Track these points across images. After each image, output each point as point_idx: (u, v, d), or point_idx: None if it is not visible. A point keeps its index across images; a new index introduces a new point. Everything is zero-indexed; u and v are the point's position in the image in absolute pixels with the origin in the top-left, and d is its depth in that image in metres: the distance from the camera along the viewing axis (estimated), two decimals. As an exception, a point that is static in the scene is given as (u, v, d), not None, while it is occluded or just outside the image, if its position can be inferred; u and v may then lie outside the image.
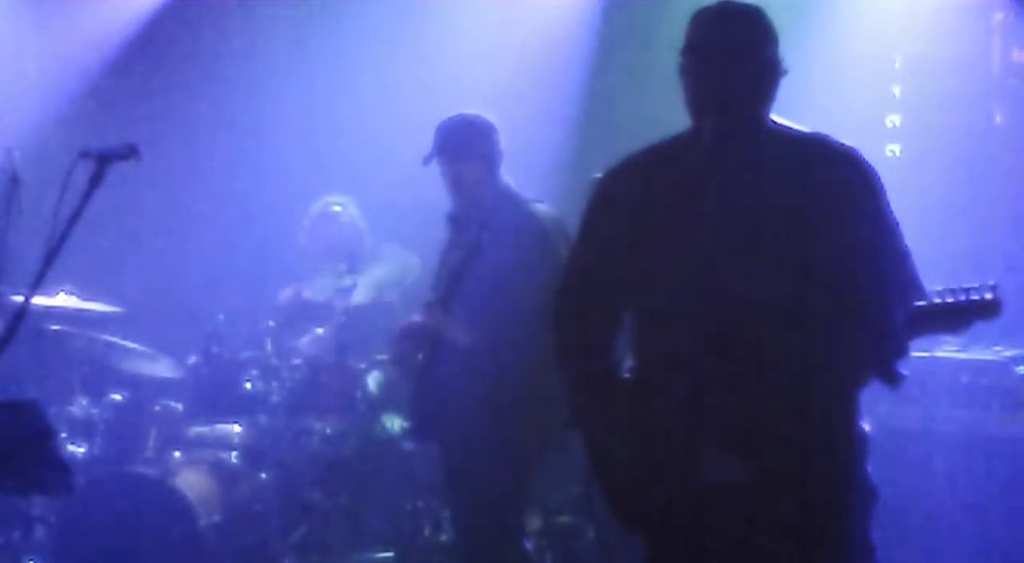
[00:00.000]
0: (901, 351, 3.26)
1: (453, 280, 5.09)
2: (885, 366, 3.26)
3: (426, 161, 5.20)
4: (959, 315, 3.03)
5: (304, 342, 6.68)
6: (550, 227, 5.08)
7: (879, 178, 3.38)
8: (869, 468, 3.40)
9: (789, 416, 3.26)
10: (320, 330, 6.69)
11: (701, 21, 3.37)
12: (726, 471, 3.28)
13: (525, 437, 5.04)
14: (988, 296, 3.01)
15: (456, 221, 5.25)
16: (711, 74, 3.31)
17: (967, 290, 3.03)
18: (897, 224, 3.36)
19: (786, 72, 3.38)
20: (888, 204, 3.36)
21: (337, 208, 6.93)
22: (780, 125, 3.42)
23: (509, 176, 5.27)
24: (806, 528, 3.31)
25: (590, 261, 3.56)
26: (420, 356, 5.17)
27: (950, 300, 3.03)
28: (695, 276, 3.23)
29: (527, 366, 4.90)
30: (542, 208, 5.19)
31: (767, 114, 3.39)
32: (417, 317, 5.25)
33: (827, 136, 3.42)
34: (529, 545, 5.37)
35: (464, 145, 5.16)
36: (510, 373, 4.96)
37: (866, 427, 3.41)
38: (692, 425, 3.13)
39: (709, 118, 3.32)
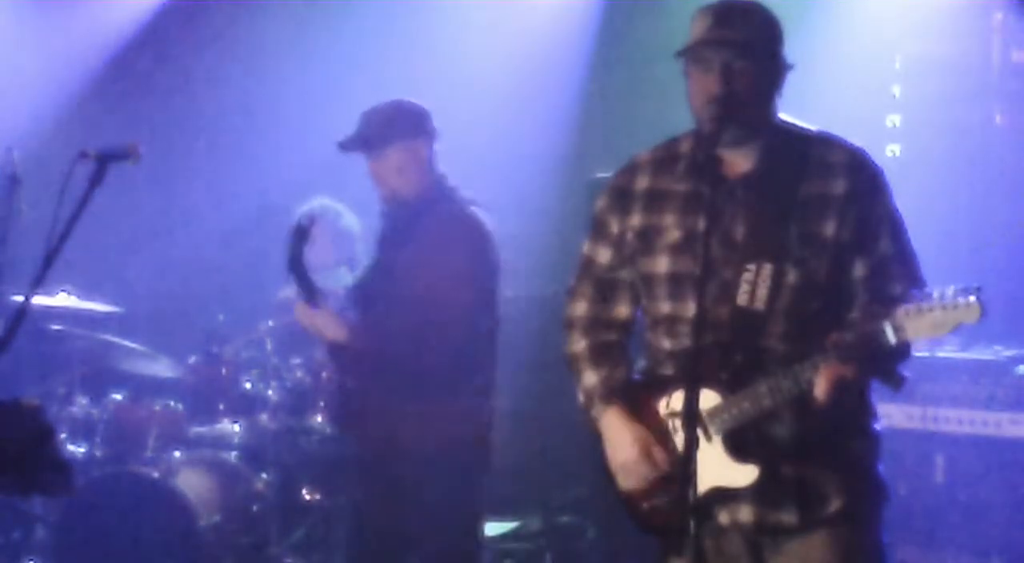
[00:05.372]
0: (904, 354, 3.25)
1: (373, 278, 4.97)
2: (889, 369, 3.26)
3: (344, 148, 4.97)
4: (942, 318, 3.02)
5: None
6: (484, 232, 4.86)
7: (886, 178, 3.37)
8: (880, 467, 3.40)
9: (794, 417, 3.26)
10: None
11: (698, 20, 3.35)
12: (731, 474, 3.28)
13: (447, 444, 4.80)
14: (971, 299, 3.00)
15: (385, 217, 5.06)
16: (707, 74, 3.30)
17: (950, 293, 3.02)
18: (903, 224, 3.36)
19: (791, 67, 3.37)
20: (894, 204, 3.36)
21: (323, 209, 6.89)
22: (787, 123, 3.41)
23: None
24: (816, 529, 3.31)
25: (599, 261, 3.56)
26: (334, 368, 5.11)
27: (933, 304, 3.02)
28: (700, 276, 3.22)
29: (448, 371, 4.77)
30: (479, 211, 4.94)
31: (769, 111, 3.38)
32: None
33: (834, 135, 3.42)
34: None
35: (381, 131, 4.90)
36: (423, 379, 4.77)
37: (877, 427, 3.41)
38: (696, 426, 3.12)
39: (706, 118, 3.31)
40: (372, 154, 4.94)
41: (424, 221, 4.85)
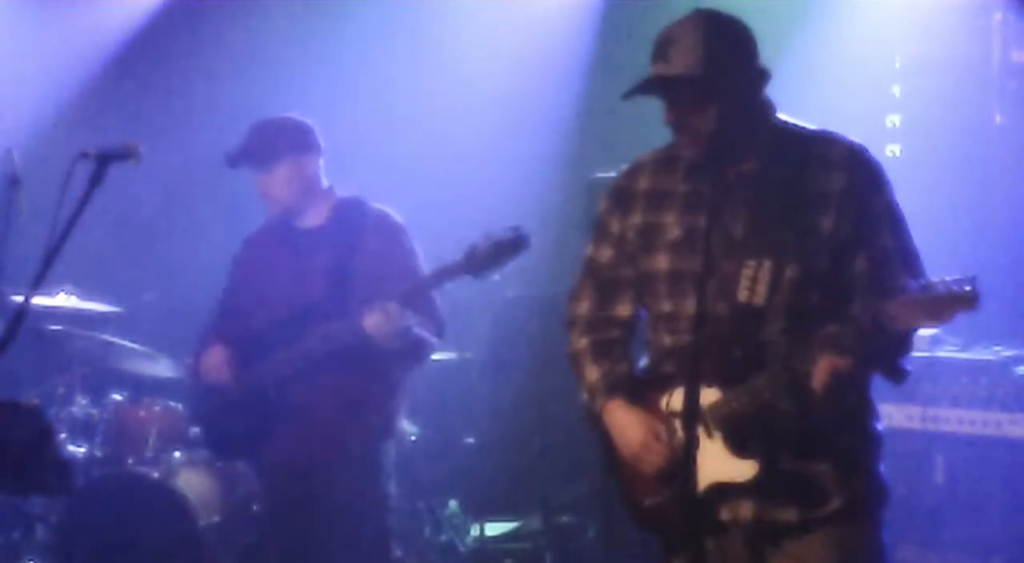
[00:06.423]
0: (905, 347, 3.26)
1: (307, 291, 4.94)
2: (890, 363, 3.26)
3: (231, 163, 4.99)
4: (937, 307, 3.03)
5: None
6: (403, 229, 4.99)
7: (886, 174, 3.38)
8: (882, 467, 3.41)
9: (795, 414, 3.26)
10: None
11: (651, 52, 3.34)
12: (731, 469, 3.28)
13: (369, 448, 4.90)
14: (966, 288, 3.01)
15: (287, 230, 5.08)
16: (667, 107, 3.32)
17: (945, 283, 3.04)
18: (904, 219, 3.36)
19: (762, 69, 3.33)
20: (895, 200, 3.36)
21: None
22: (787, 122, 3.41)
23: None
24: (816, 528, 3.31)
25: (601, 260, 3.57)
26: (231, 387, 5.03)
27: (928, 293, 3.04)
28: (701, 274, 3.22)
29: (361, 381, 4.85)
30: (389, 210, 5.05)
31: (753, 114, 3.35)
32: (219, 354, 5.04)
33: (834, 133, 3.42)
34: None
35: (269, 146, 4.95)
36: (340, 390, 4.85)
37: (879, 426, 3.41)
38: (696, 423, 3.12)
39: (682, 145, 3.33)
40: (261, 168, 4.99)
41: (366, 224, 4.93)
